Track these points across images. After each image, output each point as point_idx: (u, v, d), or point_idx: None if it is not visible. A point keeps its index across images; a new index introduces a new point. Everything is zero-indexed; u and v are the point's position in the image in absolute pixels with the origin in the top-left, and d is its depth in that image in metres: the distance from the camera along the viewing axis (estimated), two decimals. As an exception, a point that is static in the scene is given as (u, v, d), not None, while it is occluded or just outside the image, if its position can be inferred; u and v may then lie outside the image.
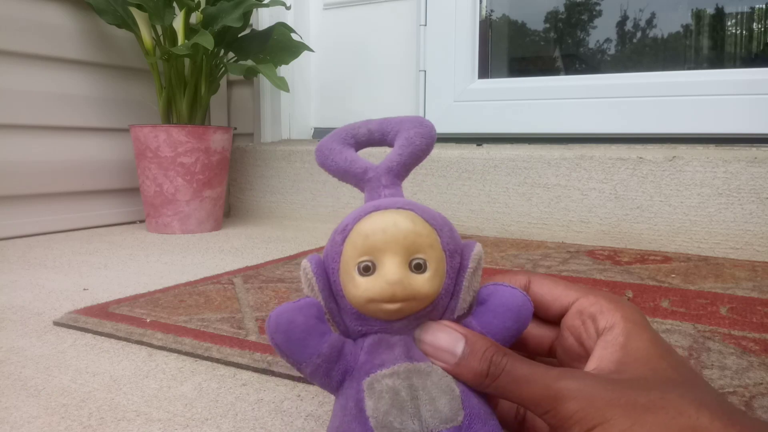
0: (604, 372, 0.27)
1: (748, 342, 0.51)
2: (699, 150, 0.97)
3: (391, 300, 0.28)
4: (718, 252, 0.93)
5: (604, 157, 1.01)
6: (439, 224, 0.30)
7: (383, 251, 0.28)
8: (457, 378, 0.29)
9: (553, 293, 0.32)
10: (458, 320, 0.31)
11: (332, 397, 0.42)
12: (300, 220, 1.31)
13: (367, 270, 0.28)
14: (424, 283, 0.28)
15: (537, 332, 0.33)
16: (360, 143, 0.35)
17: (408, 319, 0.29)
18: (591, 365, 0.28)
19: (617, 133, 1.13)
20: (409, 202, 0.30)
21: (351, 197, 1.24)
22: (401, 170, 0.33)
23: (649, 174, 0.97)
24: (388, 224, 0.29)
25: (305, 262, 0.31)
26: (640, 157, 0.98)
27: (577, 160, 1.03)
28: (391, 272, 0.28)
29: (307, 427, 0.38)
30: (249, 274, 0.76)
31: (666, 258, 0.88)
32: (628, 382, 0.26)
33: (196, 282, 0.72)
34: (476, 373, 0.28)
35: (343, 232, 0.30)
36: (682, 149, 0.99)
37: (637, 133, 1.12)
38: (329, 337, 0.30)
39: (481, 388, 0.28)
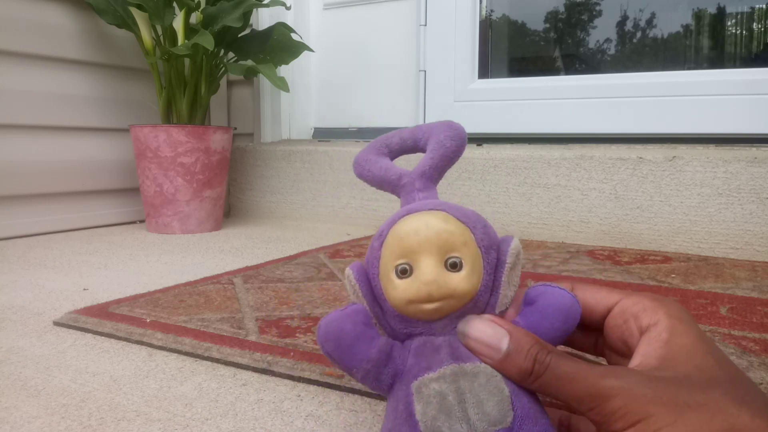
0: (647, 368, 0.27)
1: (748, 342, 0.51)
2: (699, 150, 0.97)
3: (429, 300, 0.29)
4: (718, 252, 0.92)
5: (604, 157, 1.01)
6: (472, 221, 0.30)
7: (418, 252, 0.29)
8: (501, 373, 0.29)
9: (595, 297, 0.32)
10: (501, 316, 0.31)
11: (332, 398, 0.42)
12: (300, 220, 1.31)
13: (404, 272, 0.29)
14: (460, 281, 0.29)
15: (581, 338, 0.33)
16: (394, 152, 0.37)
17: (449, 317, 0.30)
18: (635, 361, 0.28)
19: (617, 133, 1.13)
20: (441, 203, 0.31)
21: (351, 197, 1.24)
22: (434, 173, 0.34)
23: (649, 174, 0.97)
24: (420, 226, 0.29)
25: (348, 270, 0.32)
26: (640, 157, 0.98)
27: (577, 160, 1.03)
28: (425, 273, 0.29)
29: (307, 427, 0.38)
30: (249, 274, 0.76)
31: (666, 258, 0.88)
32: (672, 379, 0.26)
33: (196, 282, 0.72)
34: (521, 371, 0.28)
35: (379, 238, 0.31)
36: (682, 149, 0.99)
37: (637, 133, 1.12)
38: (378, 341, 0.30)
39: (526, 385, 0.29)
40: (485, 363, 0.29)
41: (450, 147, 0.34)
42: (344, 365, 0.31)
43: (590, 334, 0.33)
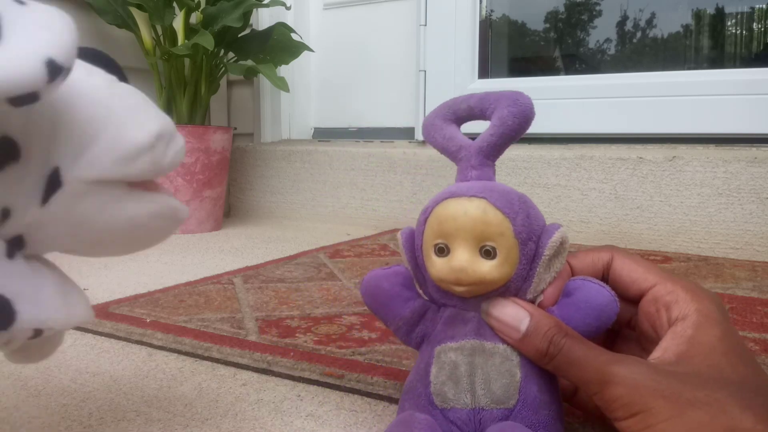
0: (663, 362, 0.27)
1: (748, 342, 0.51)
2: (699, 150, 0.97)
3: (457, 283, 0.30)
4: (718, 252, 0.92)
5: (604, 157, 1.01)
6: (513, 211, 0.30)
7: (454, 237, 0.30)
8: (521, 353, 0.30)
9: (631, 275, 0.32)
10: (534, 304, 0.32)
11: (332, 398, 0.42)
12: (300, 220, 1.31)
13: (441, 251, 0.31)
14: (491, 269, 0.30)
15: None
16: (461, 119, 0.36)
17: (482, 297, 0.31)
18: (656, 354, 0.28)
19: (617, 133, 1.13)
20: (486, 189, 0.31)
21: (351, 197, 1.24)
22: (491, 151, 0.33)
23: (649, 174, 0.97)
24: (458, 212, 0.30)
25: (399, 234, 0.34)
26: (640, 157, 0.98)
27: (577, 160, 1.03)
28: (456, 259, 0.30)
29: (307, 427, 0.38)
30: (249, 274, 0.76)
31: (666, 258, 0.88)
32: (681, 375, 0.26)
33: (196, 282, 0.72)
34: (537, 351, 0.29)
35: (424, 213, 0.32)
36: (682, 149, 0.99)
37: (637, 133, 1.12)
38: (413, 303, 0.33)
39: (542, 365, 0.30)
40: (506, 342, 0.31)
41: (511, 125, 0.32)
42: (380, 317, 0.34)
43: (625, 310, 0.33)
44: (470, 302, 0.32)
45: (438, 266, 0.31)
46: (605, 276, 0.33)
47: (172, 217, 0.31)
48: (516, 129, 0.33)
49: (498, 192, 0.31)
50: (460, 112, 0.36)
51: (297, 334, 0.53)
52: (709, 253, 0.93)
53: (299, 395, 0.43)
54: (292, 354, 0.48)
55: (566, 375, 0.29)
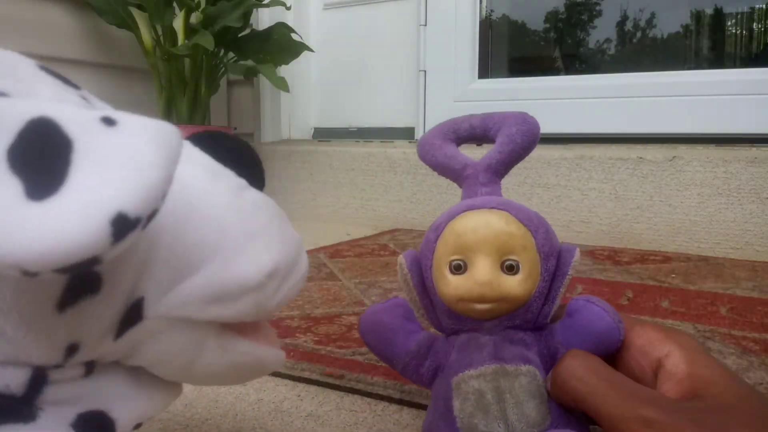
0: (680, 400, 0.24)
1: (748, 342, 0.51)
2: (699, 150, 0.97)
3: (481, 300, 0.28)
4: (718, 252, 0.92)
5: (604, 157, 1.01)
6: (534, 225, 0.29)
7: (475, 251, 0.28)
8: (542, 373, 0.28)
9: None
10: (550, 323, 0.30)
11: (332, 398, 0.42)
12: (300, 220, 1.31)
13: (458, 269, 0.29)
14: (515, 285, 0.28)
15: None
16: (461, 138, 0.35)
17: (500, 319, 0.29)
18: None
19: (617, 133, 1.13)
20: (505, 202, 0.30)
21: (351, 197, 1.24)
22: (500, 168, 0.32)
23: (649, 174, 0.97)
24: (479, 224, 0.29)
25: (401, 258, 0.32)
26: (640, 157, 0.98)
27: (577, 160, 1.03)
28: (481, 273, 0.28)
29: (307, 427, 0.38)
30: (249, 274, 0.76)
31: (666, 258, 0.88)
32: (712, 410, 0.23)
33: (196, 282, 0.72)
34: None
35: (436, 231, 0.30)
36: (682, 149, 0.99)
37: (637, 133, 1.12)
38: (418, 335, 0.31)
39: None
40: (528, 362, 0.29)
41: (520, 143, 0.32)
42: (384, 357, 0.31)
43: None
44: (486, 325, 0.29)
45: (454, 284, 0.28)
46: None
47: (257, 369, 0.26)
48: (525, 147, 0.32)
49: (516, 207, 0.30)
50: (462, 131, 0.35)
51: (297, 334, 0.53)
52: (709, 253, 0.93)
53: (299, 395, 0.43)
54: (292, 354, 0.48)
55: None
